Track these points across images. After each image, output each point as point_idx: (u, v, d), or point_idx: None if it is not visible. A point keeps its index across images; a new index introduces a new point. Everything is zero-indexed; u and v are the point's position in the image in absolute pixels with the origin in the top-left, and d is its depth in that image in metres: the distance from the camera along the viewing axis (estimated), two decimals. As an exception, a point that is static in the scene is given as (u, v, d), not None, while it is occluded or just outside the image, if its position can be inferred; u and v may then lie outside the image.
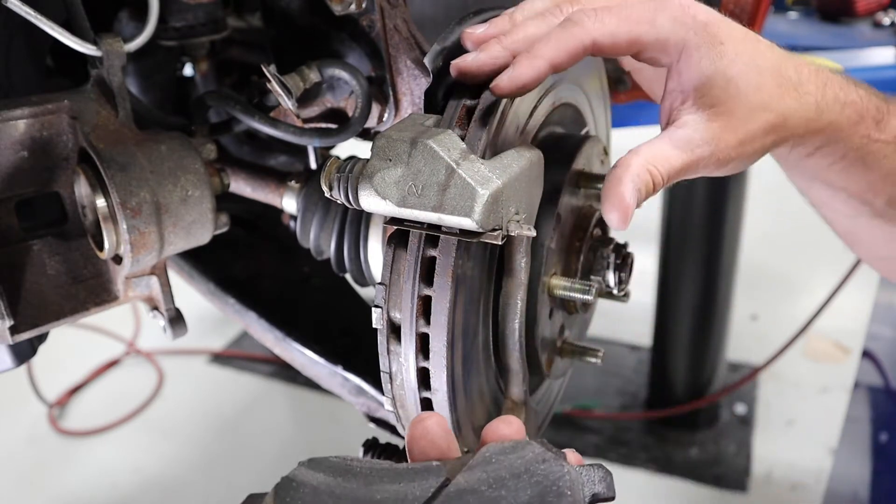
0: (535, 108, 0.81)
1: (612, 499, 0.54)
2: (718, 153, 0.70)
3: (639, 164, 0.69)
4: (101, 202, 0.83)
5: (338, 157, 0.74)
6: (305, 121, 0.98)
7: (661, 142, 0.71)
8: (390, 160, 0.69)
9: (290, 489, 0.52)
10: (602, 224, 0.95)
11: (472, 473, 0.53)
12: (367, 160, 0.71)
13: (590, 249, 0.90)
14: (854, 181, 0.85)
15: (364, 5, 0.85)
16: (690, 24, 0.69)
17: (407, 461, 0.59)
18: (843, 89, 0.77)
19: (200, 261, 1.29)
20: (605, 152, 0.97)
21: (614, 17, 0.69)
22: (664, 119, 0.75)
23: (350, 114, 0.95)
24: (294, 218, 1.10)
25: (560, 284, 0.86)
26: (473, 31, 0.74)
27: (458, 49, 0.77)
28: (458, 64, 0.72)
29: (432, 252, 0.71)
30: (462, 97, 0.73)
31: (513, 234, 0.69)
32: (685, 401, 2.66)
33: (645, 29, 0.69)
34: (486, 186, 0.66)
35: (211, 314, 2.80)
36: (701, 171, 0.72)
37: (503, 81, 0.68)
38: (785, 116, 0.72)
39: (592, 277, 0.90)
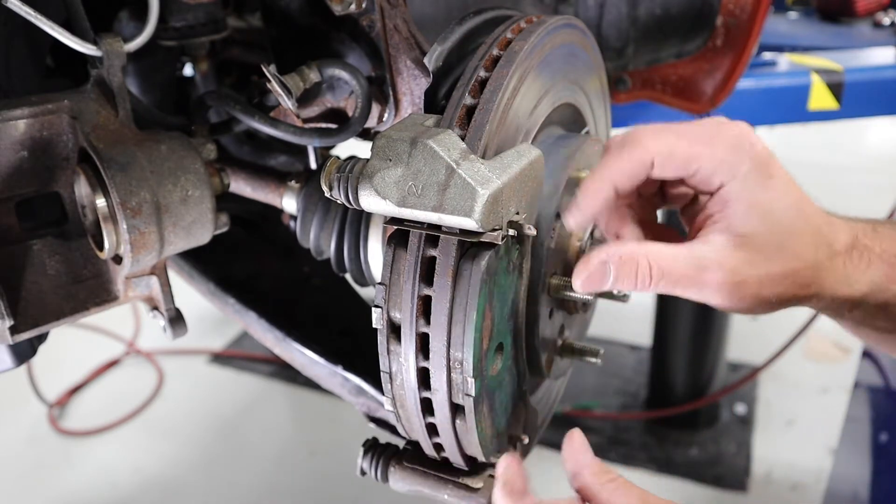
0: (535, 107, 0.80)
1: None
2: (729, 286, 0.66)
3: (637, 249, 0.67)
4: (101, 202, 0.83)
5: (338, 157, 0.74)
6: (305, 121, 0.98)
7: (679, 247, 0.67)
8: (390, 160, 0.69)
9: None
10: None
11: None
12: (367, 160, 0.71)
13: (590, 249, 0.90)
14: None
15: (364, 5, 0.85)
16: (748, 150, 0.67)
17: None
18: (872, 238, 0.71)
19: (200, 261, 1.29)
20: (605, 152, 0.97)
21: (672, 135, 0.68)
22: (689, 228, 0.72)
23: (350, 114, 0.95)
24: (294, 218, 1.10)
25: (560, 284, 0.85)
26: None
27: (459, 48, 0.76)
28: None
29: (432, 252, 0.71)
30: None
31: (513, 233, 0.68)
32: (685, 401, 2.66)
33: (701, 149, 0.67)
34: (486, 186, 0.66)
35: (211, 314, 2.80)
36: (706, 295, 0.68)
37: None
38: (813, 273, 0.68)
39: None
